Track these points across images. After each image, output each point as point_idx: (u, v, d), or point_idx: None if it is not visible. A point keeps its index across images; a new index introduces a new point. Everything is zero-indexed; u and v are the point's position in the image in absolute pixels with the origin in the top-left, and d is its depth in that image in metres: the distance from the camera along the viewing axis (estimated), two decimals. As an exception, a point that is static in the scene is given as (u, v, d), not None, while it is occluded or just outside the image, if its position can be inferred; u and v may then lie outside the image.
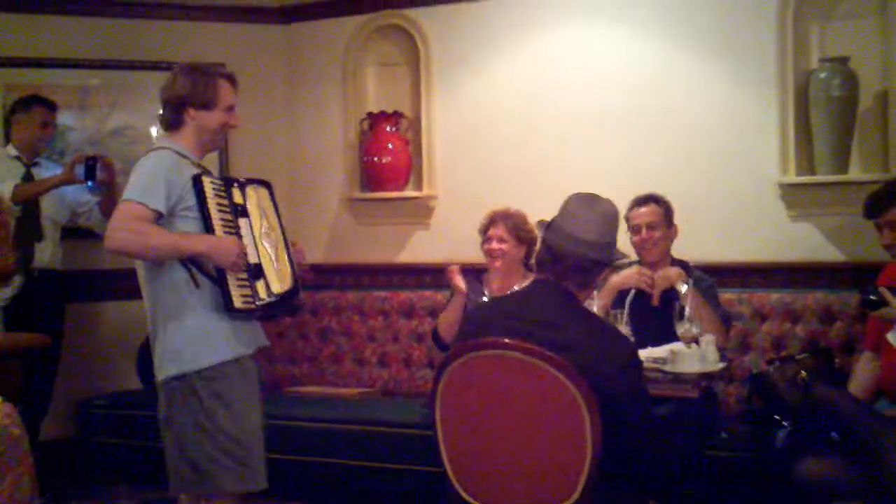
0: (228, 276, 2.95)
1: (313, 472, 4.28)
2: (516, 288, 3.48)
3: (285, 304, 3.18)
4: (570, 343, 2.54)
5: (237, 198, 3.09)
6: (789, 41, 4.27)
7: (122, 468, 4.67)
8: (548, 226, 2.73)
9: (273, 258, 3.11)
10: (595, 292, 3.62)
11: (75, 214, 4.66)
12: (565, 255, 2.63)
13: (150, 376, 4.63)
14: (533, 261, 2.83)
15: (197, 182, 2.97)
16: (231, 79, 3.14)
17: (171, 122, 3.09)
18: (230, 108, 3.10)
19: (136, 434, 4.54)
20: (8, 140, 4.73)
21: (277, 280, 3.09)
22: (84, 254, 4.90)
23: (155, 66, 5.04)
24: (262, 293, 3.03)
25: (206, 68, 3.12)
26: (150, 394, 4.60)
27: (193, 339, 2.99)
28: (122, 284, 4.85)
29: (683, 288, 3.52)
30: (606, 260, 2.71)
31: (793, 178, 4.28)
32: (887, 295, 2.84)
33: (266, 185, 3.22)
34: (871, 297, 2.87)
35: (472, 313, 2.88)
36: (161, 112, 3.13)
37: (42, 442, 4.48)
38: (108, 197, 4.43)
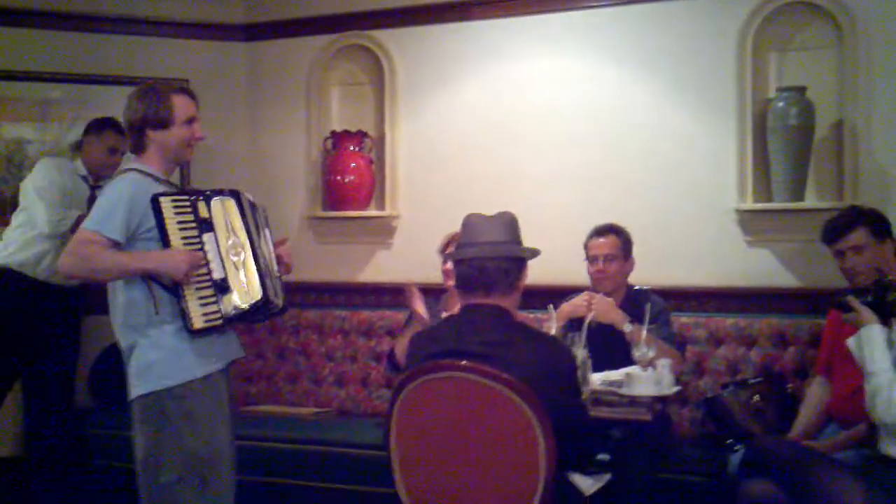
0: (189, 296, 2.95)
1: (267, 492, 4.23)
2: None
3: (258, 314, 3.16)
4: (517, 356, 2.59)
5: (203, 211, 3.07)
6: (748, 70, 4.34)
7: (71, 487, 4.60)
8: (457, 248, 2.85)
9: (240, 270, 3.09)
10: (553, 315, 3.66)
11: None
12: (484, 262, 2.71)
13: (104, 395, 4.66)
14: (452, 282, 2.95)
15: (155, 202, 2.98)
16: (186, 92, 3.17)
17: (135, 146, 3.14)
18: (190, 122, 3.12)
19: (83, 452, 4.47)
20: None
21: (244, 294, 3.06)
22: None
23: (116, 81, 5.03)
24: (229, 308, 3.02)
25: (158, 88, 3.13)
26: (102, 413, 4.59)
27: (162, 357, 2.99)
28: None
29: (627, 328, 3.58)
30: (521, 255, 2.79)
31: (750, 204, 4.34)
32: (854, 304, 2.95)
33: (234, 195, 3.19)
34: (844, 300, 2.99)
35: (420, 337, 2.88)
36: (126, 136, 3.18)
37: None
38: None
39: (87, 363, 4.66)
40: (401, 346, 3.99)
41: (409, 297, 3.96)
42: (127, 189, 3.01)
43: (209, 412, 3.04)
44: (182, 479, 2.98)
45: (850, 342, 2.89)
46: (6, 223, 4.60)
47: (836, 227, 3.47)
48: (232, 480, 3.14)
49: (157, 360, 2.99)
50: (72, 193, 4.35)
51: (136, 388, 3.03)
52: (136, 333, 3.02)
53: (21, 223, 4.33)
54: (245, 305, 3.05)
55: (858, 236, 3.41)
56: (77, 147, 4.60)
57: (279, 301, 3.22)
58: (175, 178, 4.56)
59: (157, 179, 3.08)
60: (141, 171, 3.07)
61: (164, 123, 3.07)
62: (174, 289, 2.96)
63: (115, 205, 2.97)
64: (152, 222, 2.97)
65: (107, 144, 4.47)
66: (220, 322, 3.01)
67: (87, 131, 4.53)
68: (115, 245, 2.94)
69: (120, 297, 3.04)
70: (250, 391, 4.98)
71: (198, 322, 2.96)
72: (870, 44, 4.17)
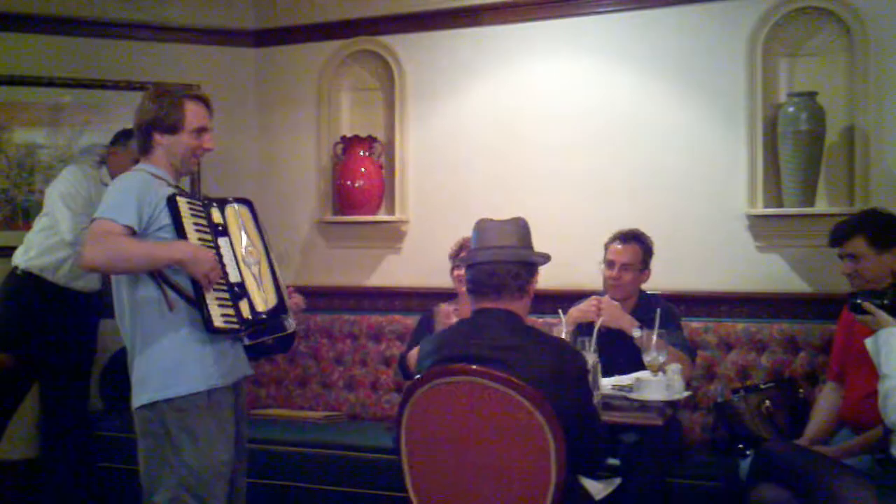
0: (207, 295, 2.85)
1: (277, 496, 4.23)
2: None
3: (274, 330, 3.07)
4: (528, 361, 2.59)
5: (216, 217, 3.01)
6: (758, 75, 4.33)
7: (83, 489, 4.61)
8: (469, 252, 2.84)
9: (256, 277, 3.02)
10: (563, 320, 3.65)
11: None
12: (495, 267, 2.70)
13: (113, 397, 4.67)
14: (464, 288, 2.97)
15: (171, 201, 2.90)
16: (201, 100, 3.07)
17: (141, 147, 3.05)
18: (200, 131, 3.03)
19: (95, 454, 4.48)
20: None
21: (261, 299, 3.00)
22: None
23: (127, 86, 5.07)
24: (246, 313, 2.94)
25: (173, 90, 3.06)
26: (111, 415, 4.60)
27: (166, 366, 2.90)
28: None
29: (636, 334, 3.57)
30: (533, 260, 2.79)
31: (760, 209, 4.33)
32: (869, 307, 2.92)
33: (247, 203, 3.16)
34: (859, 302, 2.95)
35: (431, 341, 2.88)
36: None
37: (3, 462, 4.42)
38: None
39: (99, 365, 4.67)
40: (414, 356, 3.98)
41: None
42: (135, 181, 2.93)
43: (210, 429, 2.94)
44: (176, 496, 2.89)
45: (868, 343, 2.88)
46: (17, 227, 4.62)
47: (838, 232, 3.48)
48: (226, 498, 3.03)
49: (160, 368, 2.90)
50: (95, 202, 4.36)
51: (138, 396, 2.95)
52: (142, 339, 2.92)
53: (43, 227, 4.33)
54: (261, 310, 2.98)
55: (854, 245, 3.40)
56: (101, 156, 4.58)
57: (292, 319, 3.14)
58: (185, 182, 4.61)
59: (167, 183, 2.99)
60: (150, 173, 2.98)
61: (172, 128, 2.98)
62: (195, 287, 2.85)
63: (125, 194, 2.87)
64: (165, 220, 2.89)
65: (133, 155, 4.43)
66: (237, 325, 2.92)
67: (114, 141, 4.51)
68: (132, 233, 2.83)
69: (128, 300, 2.94)
70: (260, 394, 4.98)
71: (217, 320, 2.85)
72: (880, 49, 4.16)
